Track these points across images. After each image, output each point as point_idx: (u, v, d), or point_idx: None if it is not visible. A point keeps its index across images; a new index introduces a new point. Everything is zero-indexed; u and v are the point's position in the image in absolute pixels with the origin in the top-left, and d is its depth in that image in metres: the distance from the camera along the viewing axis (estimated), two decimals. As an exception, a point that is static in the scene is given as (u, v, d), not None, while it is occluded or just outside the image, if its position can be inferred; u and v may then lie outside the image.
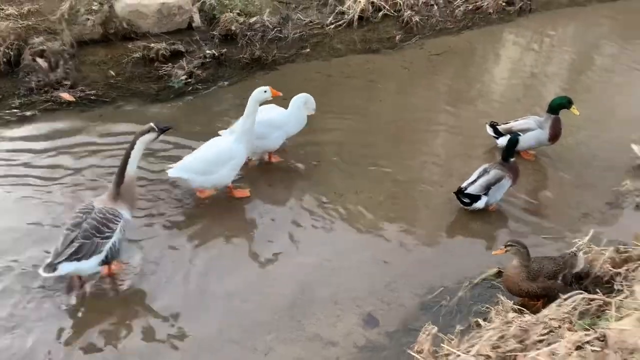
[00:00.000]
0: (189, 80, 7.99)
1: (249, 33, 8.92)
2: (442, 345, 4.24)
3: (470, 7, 10.50)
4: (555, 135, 6.81)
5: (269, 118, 6.41)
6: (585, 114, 7.92)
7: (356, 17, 9.68)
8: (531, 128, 6.82)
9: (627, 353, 3.65)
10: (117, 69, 8.12)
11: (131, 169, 4.99)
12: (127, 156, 4.97)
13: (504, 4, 10.73)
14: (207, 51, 8.47)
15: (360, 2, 9.69)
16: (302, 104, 6.51)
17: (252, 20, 9.06)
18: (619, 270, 5.04)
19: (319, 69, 6.69)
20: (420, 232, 5.89)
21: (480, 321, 4.60)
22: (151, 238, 5.53)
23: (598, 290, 4.81)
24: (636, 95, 8.79)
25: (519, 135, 6.42)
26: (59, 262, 4.58)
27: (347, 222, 5.93)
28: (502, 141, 6.78)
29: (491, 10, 10.54)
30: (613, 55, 10.10)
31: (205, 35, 8.91)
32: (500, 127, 6.98)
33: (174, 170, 5.74)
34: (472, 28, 10.27)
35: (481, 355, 3.92)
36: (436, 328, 4.37)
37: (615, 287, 4.92)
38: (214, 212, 5.93)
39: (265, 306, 4.97)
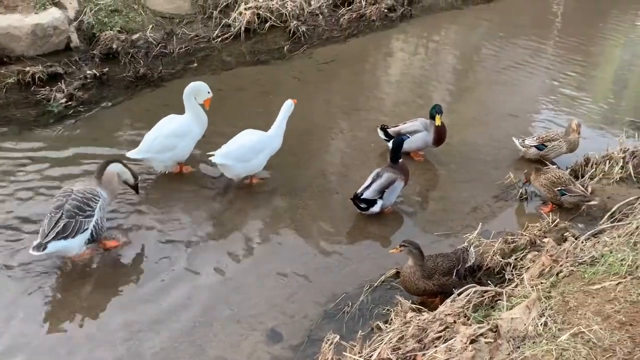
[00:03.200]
0: (70, 103, 7.62)
1: (131, 50, 8.66)
2: (344, 353, 4.22)
3: (354, 16, 10.74)
4: (439, 138, 7.03)
5: (171, 129, 6.28)
6: (470, 112, 8.28)
7: (243, 29, 9.64)
8: (418, 130, 7.00)
9: (519, 341, 3.78)
10: (-10, 95, 7.62)
11: (110, 169, 5.47)
12: (107, 162, 5.51)
13: (385, 10, 11.07)
14: (88, 71, 8.14)
15: (245, 14, 9.65)
16: (192, 98, 6.40)
17: (135, 37, 8.81)
18: (508, 260, 5.26)
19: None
20: (319, 241, 5.87)
21: (381, 324, 4.65)
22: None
23: (489, 282, 4.98)
24: (516, 92, 9.28)
25: (406, 137, 6.55)
26: (48, 242, 4.88)
27: (246, 238, 5.81)
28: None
29: (374, 18, 10.84)
30: (493, 54, 10.62)
31: (86, 55, 8.57)
32: (390, 130, 7.13)
33: (218, 158, 6.08)
34: (358, 36, 10.51)
35: (382, 359, 3.93)
36: (338, 336, 4.35)
37: (507, 276, 5.13)
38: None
39: (163, 333, 4.75)
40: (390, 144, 7.03)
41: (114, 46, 8.58)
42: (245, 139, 6.31)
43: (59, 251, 5.05)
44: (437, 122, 6.91)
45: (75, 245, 5.09)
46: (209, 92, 6.47)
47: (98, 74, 8.14)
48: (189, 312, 4.96)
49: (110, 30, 8.72)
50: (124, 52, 8.62)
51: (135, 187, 5.77)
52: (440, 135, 7.01)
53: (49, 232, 4.92)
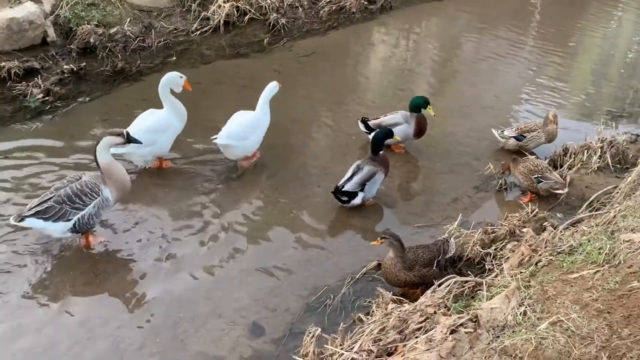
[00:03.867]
0: (47, 98, 7.51)
1: (109, 44, 8.56)
2: (325, 345, 4.23)
3: (334, 8, 10.70)
4: (419, 131, 7.06)
5: (150, 124, 6.21)
6: (450, 104, 8.30)
7: (222, 22, 9.57)
8: (399, 122, 7.02)
9: (499, 330, 3.80)
10: (-35, 92, 7.49)
11: (101, 160, 5.23)
12: (94, 150, 5.25)
13: (365, 2, 11.03)
14: (65, 66, 8.04)
15: (224, 6, 9.57)
16: (168, 90, 6.33)
17: (112, 30, 8.71)
18: (488, 250, 5.29)
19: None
20: (301, 234, 5.87)
21: (362, 316, 4.66)
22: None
23: (470, 272, 5.01)
24: (495, 83, 9.33)
25: (388, 129, 6.57)
26: (26, 216, 4.99)
27: (226, 232, 5.80)
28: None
29: (354, 10, 10.80)
30: (473, 46, 10.66)
31: (63, 50, 8.46)
32: (371, 123, 7.13)
33: (222, 139, 6.31)
34: (338, 28, 10.48)
35: (363, 350, 3.94)
36: (319, 329, 4.36)
37: (487, 266, 5.16)
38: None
39: (144, 329, 4.73)
40: (371, 136, 7.04)
41: (92, 40, 8.46)
42: (241, 118, 6.53)
43: (37, 228, 5.15)
44: (431, 112, 7.02)
45: (56, 230, 5.12)
46: (181, 77, 6.39)
47: (75, 69, 8.04)
48: (170, 307, 4.94)
49: (88, 24, 8.59)
50: (101, 46, 8.51)
51: (129, 140, 5.41)
52: (421, 128, 7.05)
53: (33, 207, 5.02)
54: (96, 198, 5.18)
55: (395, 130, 6.89)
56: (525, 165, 6.30)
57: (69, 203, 5.07)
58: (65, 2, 8.67)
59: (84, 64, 8.18)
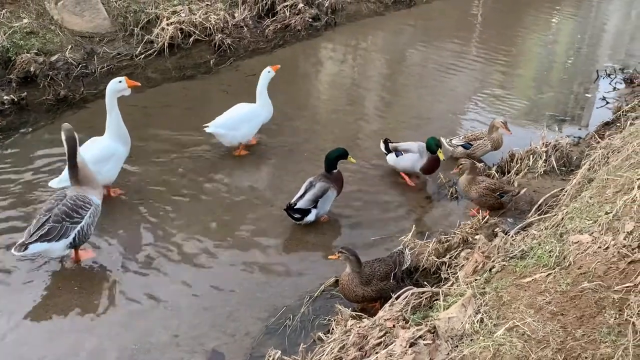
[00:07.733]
0: (-14, 131, 7.28)
1: (51, 72, 8.37)
2: (286, 368, 4.18)
3: (279, 26, 10.77)
4: (428, 168, 6.83)
5: (92, 155, 5.97)
6: (399, 116, 8.41)
7: (166, 44, 9.50)
8: (412, 150, 6.90)
9: (457, 340, 3.82)
10: None
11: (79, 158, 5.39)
12: (74, 151, 5.32)
13: (310, 20, 11.13)
14: (5, 97, 7.82)
15: (168, 29, 9.50)
16: (115, 99, 6.15)
17: (53, 58, 8.52)
18: (443, 259, 5.33)
19: (133, 101, 6.39)
20: (256, 255, 5.80)
21: (322, 335, 4.62)
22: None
23: (426, 283, 5.04)
24: (442, 94, 9.50)
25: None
26: (30, 243, 5.01)
27: (180, 258, 5.67)
28: (390, 157, 7.06)
29: (299, 28, 10.89)
30: (418, 58, 10.85)
31: (2, 80, 8.22)
32: (391, 145, 7.09)
33: (211, 128, 6.93)
34: (284, 46, 10.54)
35: (324, 370, 3.90)
36: (279, 352, 4.30)
37: (442, 275, 5.19)
38: (30, 268, 5.38)
39: (98, 364, 4.59)
40: (388, 157, 7.10)
41: (32, 69, 8.25)
42: (235, 111, 7.15)
43: (40, 252, 5.22)
44: (442, 156, 6.70)
45: (57, 248, 5.19)
46: (120, 81, 6.18)
47: (16, 99, 7.84)
48: (126, 339, 4.79)
49: (27, 52, 8.38)
50: (42, 75, 8.32)
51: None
52: (430, 166, 6.82)
53: (34, 233, 5.03)
54: (90, 208, 5.30)
55: (406, 156, 6.90)
56: (484, 185, 6.16)
57: (67, 219, 5.14)
58: (2, 31, 8.45)
59: (25, 93, 7.98)
